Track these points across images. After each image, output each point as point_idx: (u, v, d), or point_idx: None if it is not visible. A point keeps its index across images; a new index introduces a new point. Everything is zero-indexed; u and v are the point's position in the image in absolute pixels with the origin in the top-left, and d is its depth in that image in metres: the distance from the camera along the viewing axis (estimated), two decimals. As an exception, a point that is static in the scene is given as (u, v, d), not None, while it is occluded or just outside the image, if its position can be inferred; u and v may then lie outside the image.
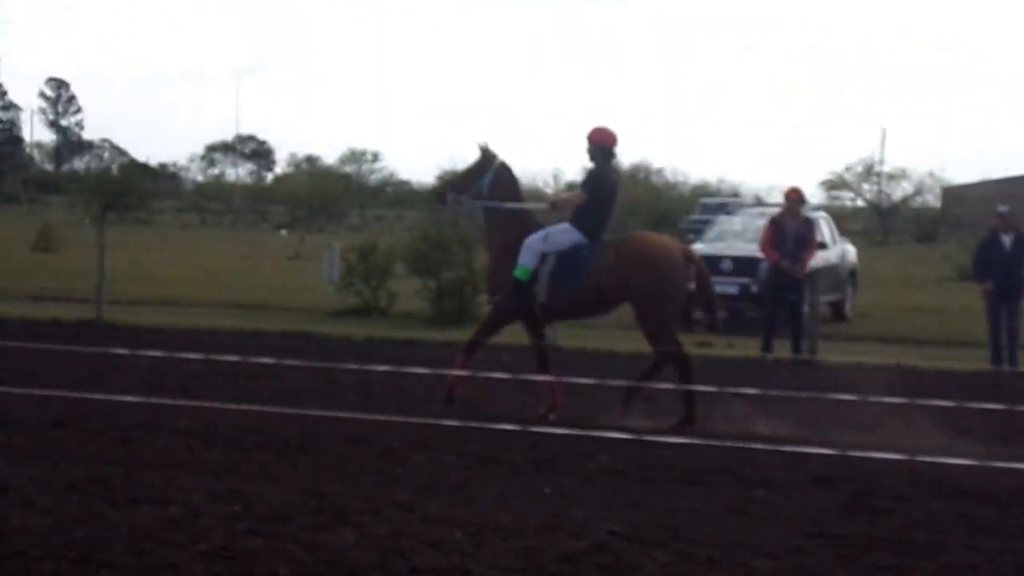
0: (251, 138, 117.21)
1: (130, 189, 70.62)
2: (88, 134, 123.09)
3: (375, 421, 10.42)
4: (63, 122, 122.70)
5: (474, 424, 10.21)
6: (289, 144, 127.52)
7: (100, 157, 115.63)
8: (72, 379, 12.05)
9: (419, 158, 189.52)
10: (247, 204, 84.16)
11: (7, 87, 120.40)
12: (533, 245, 11.26)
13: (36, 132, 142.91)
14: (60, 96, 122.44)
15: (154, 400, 10.97)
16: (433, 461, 9.23)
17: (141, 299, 19.95)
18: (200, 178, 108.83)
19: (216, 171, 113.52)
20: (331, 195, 75.61)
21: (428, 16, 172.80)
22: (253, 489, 7.94)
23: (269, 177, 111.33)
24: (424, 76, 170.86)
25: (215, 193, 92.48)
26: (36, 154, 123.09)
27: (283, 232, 53.41)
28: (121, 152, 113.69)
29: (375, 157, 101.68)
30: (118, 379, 12.20)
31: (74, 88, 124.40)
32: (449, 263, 20.61)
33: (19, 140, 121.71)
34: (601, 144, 11.86)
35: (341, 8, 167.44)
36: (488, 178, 11.87)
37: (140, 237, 36.21)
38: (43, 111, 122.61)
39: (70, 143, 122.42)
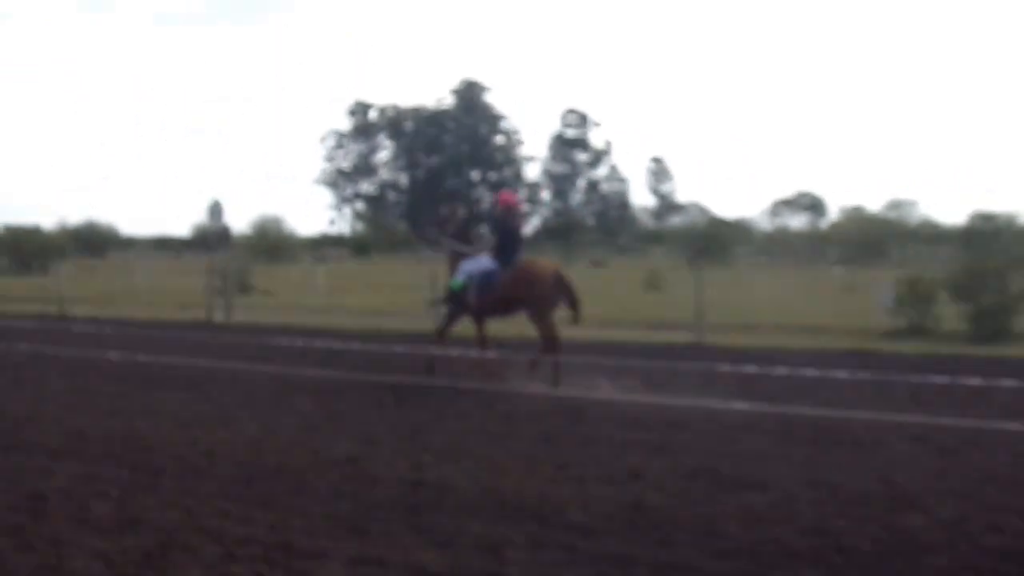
0: (807, 194, 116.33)
1: (713, 240, 71.86)
2: (680, 198, 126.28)
3: (933, 424, 10.00)
4: (661, 189, 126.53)
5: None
6: (838, 196, 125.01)
7: (690, 215, 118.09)
8: (681, 389, 12.30)
9: (949, 202, 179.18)
10: (806, 247, 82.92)
11: (619, 165, 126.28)
12: (463, 267, 13.68)
13: (641, 198, 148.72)
14: (658, 169, 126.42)
15: (750, 406, 11.03)
16: (988, 457, 8.65)
17: (730, 325, 20.07)
18: (767, 227, 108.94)
19: (780, 221, 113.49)
20: (877, 237, 73.36)
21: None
22: (835, 478, 7.77)
23: (823, 224, 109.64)
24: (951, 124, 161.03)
25: (780, 239, 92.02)
26: (641, 215, 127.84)
27: (838, 269, 52.07)
28: (706, 210, 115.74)
29: (913, 204, 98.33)
30: (720, 389, 12.28)
31: (669, 163, 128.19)
32: (986, 289, 19.46)
33: (627, 205, 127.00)
34: (503, 205, 14.11)
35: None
36: (451, 226, 14.20)
37: (723, 277, 36.51)
38: (646, 182, 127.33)
39: (667, 205, 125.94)
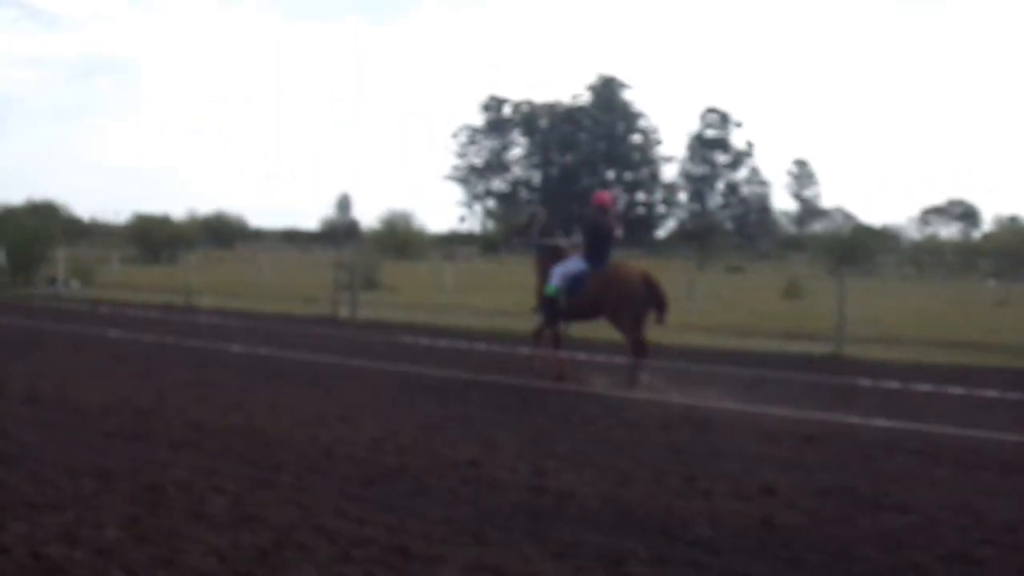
0: (959, 202, 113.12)
1: (857, 248, 70.13)
2: (824, 203, 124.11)
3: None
4: (804, 193, 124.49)
5: None
6: (993, 204, 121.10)
7: (834, 221, 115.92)
8: (817, 403, 12.04)
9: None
10: (957, 258, 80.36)
11: (760, 168, 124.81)
12: (556, 272, 13.88)
13: (782, 202, 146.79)
14: (802, 173, 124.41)
15: (891, 423, 10.70)
16: None
17: (872, 337, 19.57)
18: (916, 236, 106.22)
19: (930, 230, 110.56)
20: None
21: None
22: (981, 503, 7.48)
23: (976, 234, 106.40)
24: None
25: (929, 249, 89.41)
26: (782, 220, 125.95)
27: (991, 282, 50.38)
28: (851, 217, 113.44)
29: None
30: (860, 404, 11.97)
31: (813, 166, 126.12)
32: None
33: (768, 209, 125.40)
34: (596, 204, 14.21)
35: None
36: (536, 228, 14.78)
37: (866, 286, 35.73)
38: (788, 186, 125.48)
39: (809, 210, 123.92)
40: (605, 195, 14.60)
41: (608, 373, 13.73)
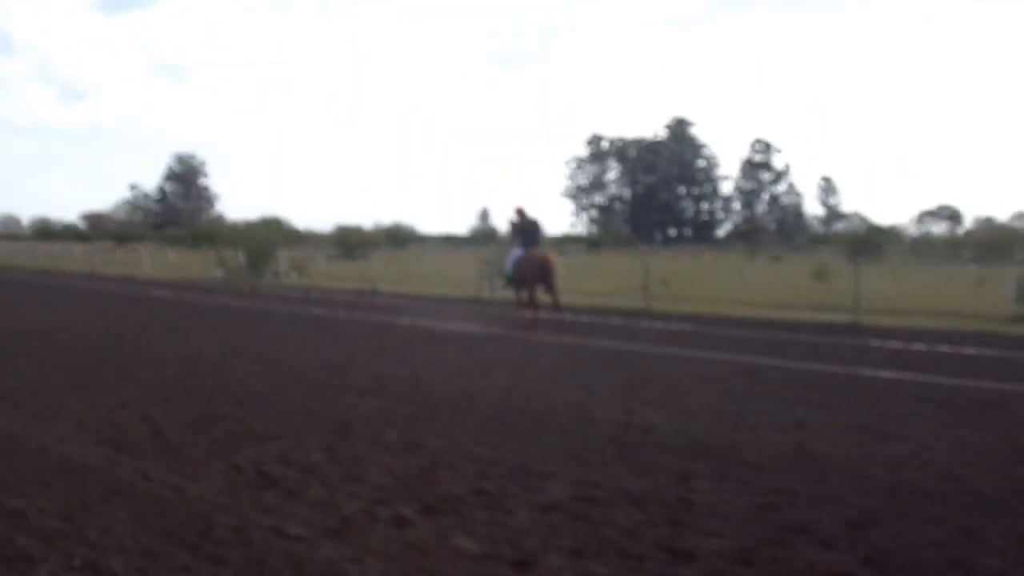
0: (947, 207, 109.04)
1: (870, 242, 67.55)
2: (845, 208, 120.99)
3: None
4: (829, 201, 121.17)
5: None
6: (973, 207, 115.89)
7: (852, 222, 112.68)
8: (839, 359, 11.57)
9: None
10: (945, 249, 76.51)
11: (796, 183, 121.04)
12: (508, 260, 16.39)
13: (813, 208, 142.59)
14: (827, 186, 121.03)
15: (894, 375, 10.25)
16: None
17: (882, 309, 18.79)
18: (914, 232, 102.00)
19: (924, 227, 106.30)
20: (1004, 242, 66.95)
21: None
22: (964, 435, 7.10)
23: (960, 231, 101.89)
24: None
25: (924, 242, 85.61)
26: (812, 222, 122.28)
27: (972, 267, 47.96)
28: (865, 219, 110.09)
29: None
30: (872, 360, 11.46)
31: (836, 181, 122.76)
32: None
33: (801, 214, 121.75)
34: (517, 212, 16.28)
35: None
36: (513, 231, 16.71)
37: (877, 271, 34.32)
38: (817, 196, 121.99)
39: (833, 214, 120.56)
40: (519, 206, 16.39)
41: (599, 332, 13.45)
